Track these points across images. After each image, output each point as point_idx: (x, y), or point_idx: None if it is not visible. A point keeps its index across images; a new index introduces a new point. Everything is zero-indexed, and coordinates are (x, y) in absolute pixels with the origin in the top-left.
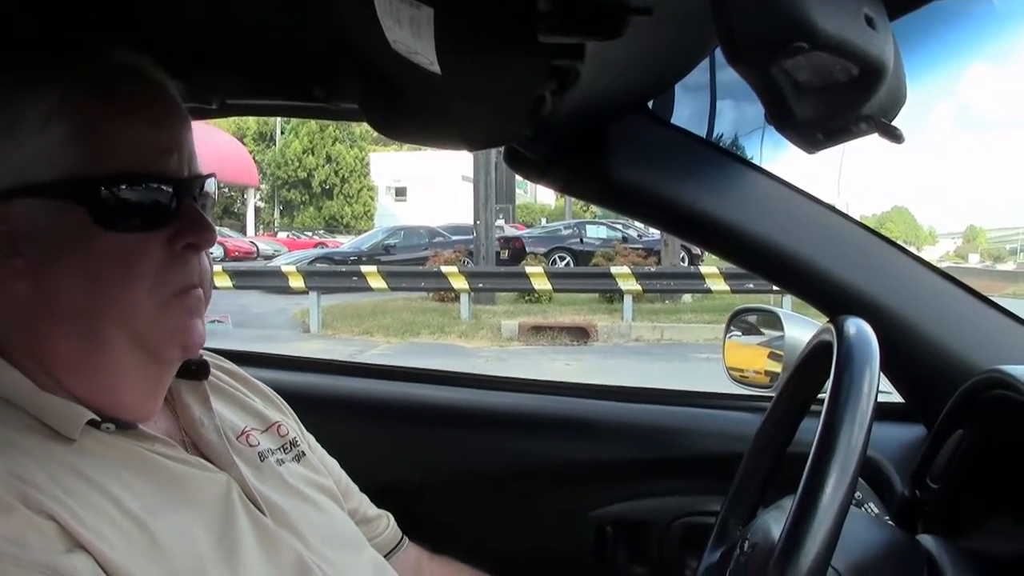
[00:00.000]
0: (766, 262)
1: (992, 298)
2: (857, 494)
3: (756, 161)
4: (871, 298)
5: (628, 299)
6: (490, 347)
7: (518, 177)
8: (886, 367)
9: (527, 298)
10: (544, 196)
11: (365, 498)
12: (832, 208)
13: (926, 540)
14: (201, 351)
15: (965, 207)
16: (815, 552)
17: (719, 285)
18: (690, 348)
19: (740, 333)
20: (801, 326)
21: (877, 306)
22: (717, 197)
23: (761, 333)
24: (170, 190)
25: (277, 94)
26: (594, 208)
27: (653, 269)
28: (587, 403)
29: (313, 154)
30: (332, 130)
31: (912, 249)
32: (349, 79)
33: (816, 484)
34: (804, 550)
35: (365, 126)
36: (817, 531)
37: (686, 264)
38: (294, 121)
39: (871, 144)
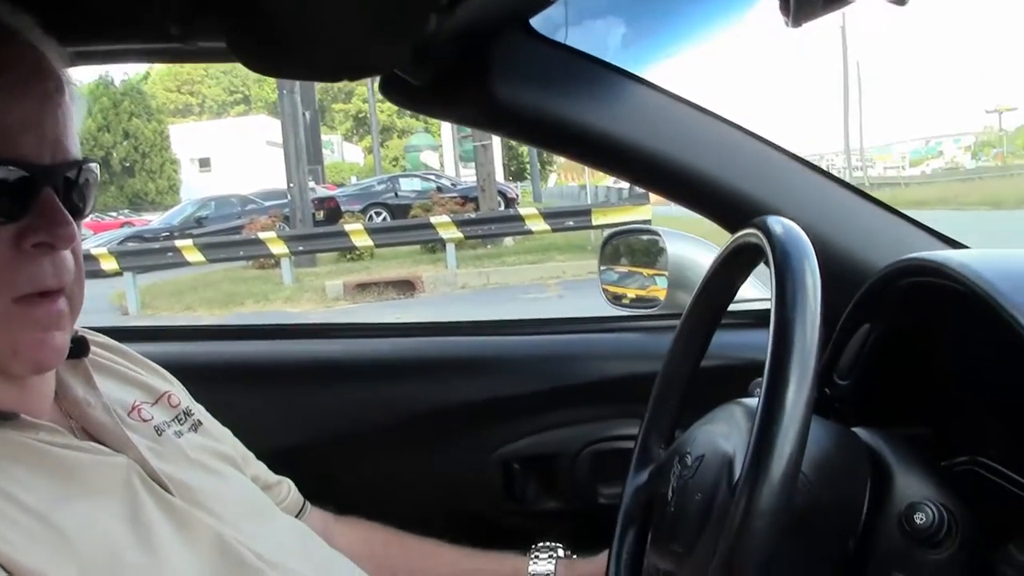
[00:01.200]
0: (658, 176)
1: None
2: None
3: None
4: (769, 206)
5: (451, 247)
6: (317, 309)
7: (324, 137)
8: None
9: (349, 256)
10: (352, 155)
11: (262, 465)
12: (722, 118)
13: (858, 432)
14: (78, 328)
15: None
16: (788, 454)
17: (539, 225)
18: (518, 290)
19: (615, 257)
20: (683, 241)
21: (777, 212)
22: (605, 113)
23: (635, 254)
24: (25, 175)
25: (127, 37)
26: (404, 162)
27: (473, 215)
28: (477, 340)
29: (109, 131)
30: (127, 104)
31: None
32: (211, 14)
33: (779, 386)
34: (777, 453)
35: (162, 99)
36: (787, 433)
37: (503, 208)
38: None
39: None
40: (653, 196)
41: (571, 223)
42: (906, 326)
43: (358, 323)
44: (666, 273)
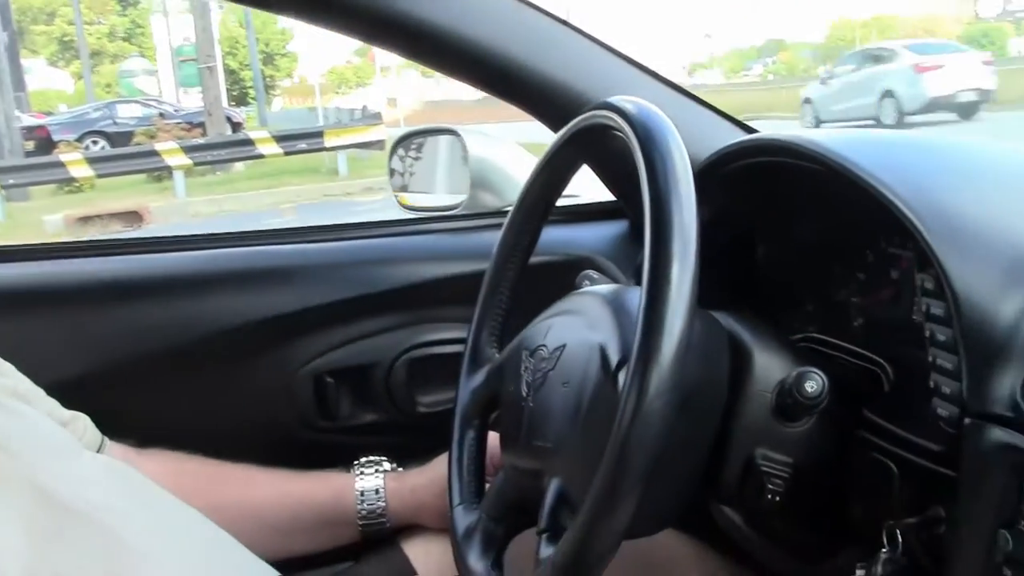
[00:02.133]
0: (477, 67)
1: None
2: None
3: None
4: (592, 98)
5: (179, 175)
6: None
7: (25, 62)
8: (597, 163)
9: (67, 189)
10: (59, 81)
11: (53, 400)
12: (542, 9)
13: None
14: None
15: None
16: (679, 330)
17: (271, 149)
18: (252, 216)
19: (406, 159)
20: (485, 141)
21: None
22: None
23: (423, 155)
24: None
25: None
26: (118, 89)
27: (201, 141)
28: (279, 249)
29: None
30: None
31: None
32: None
33: (663, 264)
34: (667, 330)
35: None
36: (676, 309)
37: (231, 133)
38: None
39: None
40: (394, 116)
41: (304, 145)
42: (734, 210)
43: (146, 237)
44: (466, 174)
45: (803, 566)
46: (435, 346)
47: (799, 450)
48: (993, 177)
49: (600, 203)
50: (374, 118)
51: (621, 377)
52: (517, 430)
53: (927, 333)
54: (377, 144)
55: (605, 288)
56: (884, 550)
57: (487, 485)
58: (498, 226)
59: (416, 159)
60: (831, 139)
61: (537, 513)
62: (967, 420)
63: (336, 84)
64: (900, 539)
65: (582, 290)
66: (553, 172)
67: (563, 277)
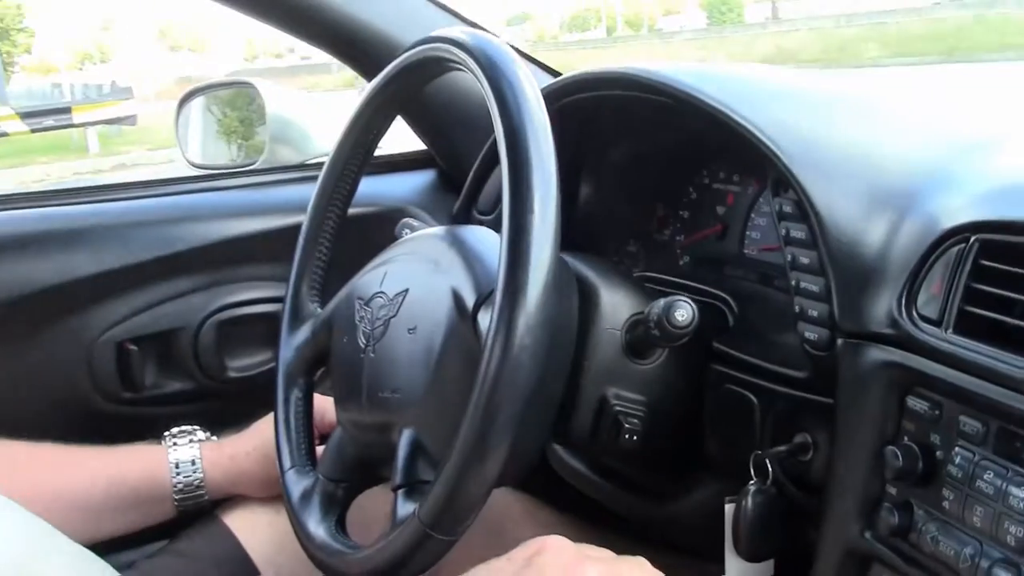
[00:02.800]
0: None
1: None
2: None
3: None
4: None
5: None
6: None
7: None
8: (409, 113)
9: None
10: None
11: None
12: None
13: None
14: None
15: None
16: (546, 263)
17: (15, 126)
18: None
19: (196, 115)
20: (282, 95)
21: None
22: None
23: (214, 111)
24: None
25: None
26: None
27: None
28: (72, 210)
29: None
30: None
31: None
32: None
33: (524, 197)
34: (533, 265)
35: None
36: (541, 243)
37: None
38: None
39: None
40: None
41: (51, 122)
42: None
43: None
44: (264, 129)
45: (656, 507)
46: (244, 307)
47: (652, 388)
48: (844, 106)
49: (408, 153)
50: (124, 92)
51: (482, 318)
52: (356, 383)
53: (788, 258)
54: (129, 119)
55: (441, 229)
56: (752, 482)
57: (318, 446)
58: (300, 180)
59: (207, 115)
60: (676, 71)
61: (384, 469)
62: (840, 341)
63: (80, 60)
64: (770, 469)
65: (416, 234)
66: (376, 114)
67: (376, 229)
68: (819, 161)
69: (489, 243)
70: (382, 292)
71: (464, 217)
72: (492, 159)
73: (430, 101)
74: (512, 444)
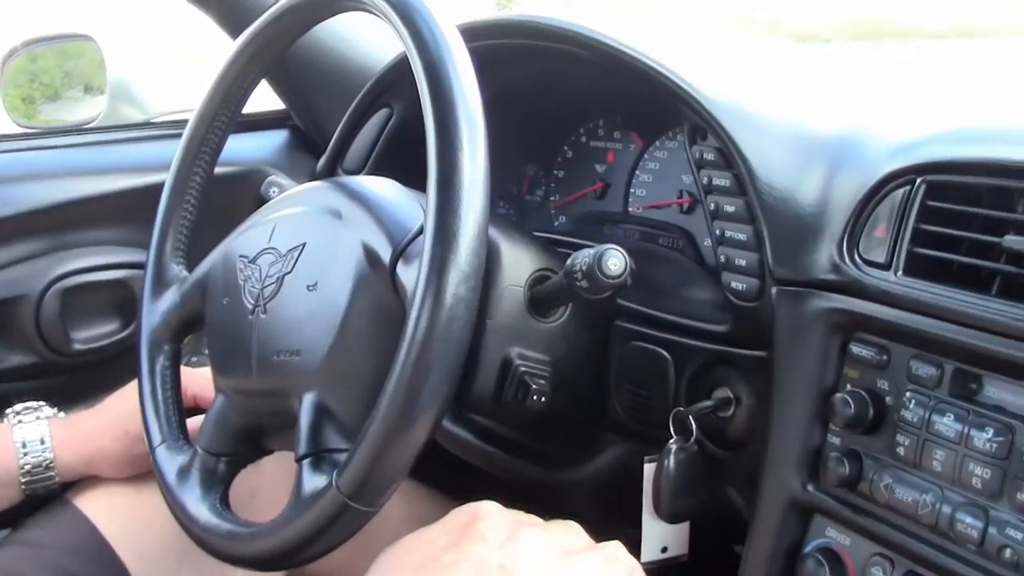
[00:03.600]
0: None
1: None
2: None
3: None
4: None
5: None
6: None
7: None
8: (273, 77)
9: None
10: None
11: None
12: None
13: None
14: None
15: None
16: (479, 214)
17: None
18: None
19: (23, 69)
20: (120, 46)
21: None
22: None
23: (47, 65)
24: None
25: None
26: None
27: None
28: None
29: None
30: None
31: None
32: None
33: (451, 140)
34: (466, 213)
35: None
36: (472, 193)
37: None
38: None
39: None
40: None
41: None
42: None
43: None
44: (102, 86)
45: (556, 474)
46: (89, 273)
47: (556, 346)
48: (764, 67)
49: (263, 112)
50: None
51: (402, 271)
52: (243, 347)
53: (711, 207)
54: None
55: (335, 181)
56: (673, 440)
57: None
58: (146, 139)
59: (37, 69)
60: (591, 22)
61: (273, 440)
62: (775, 290)
63: None
64: (693, 426)
65: (304, 186)
66: (253, 59)
67: (235, 190)
68: (743, 108)
69: (395, 191)
70: (272, 248)
71: (329, 176)
72: (361, 116)
73: (291, 56)
74: (444, 407)
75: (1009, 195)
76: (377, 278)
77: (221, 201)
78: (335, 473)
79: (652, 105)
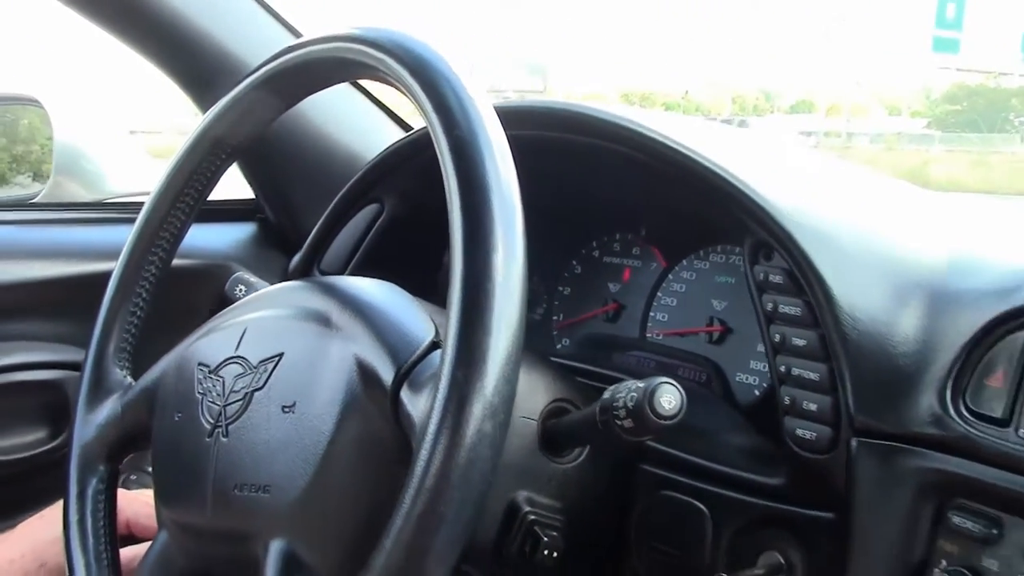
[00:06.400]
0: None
1: None
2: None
3: None
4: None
5: None
6: None
7: None
8: (245, 160)
9: None
10: None
11: None
12: None
13: None
14: None
15: None
16: (512, 333)
17: None
18: None
19: None
20: (75, 120)
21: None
22: None
23: None
24: None
25: None
26: None
27: None
28: None
29: None
30: None
31: None
32: None
33: (483, 244)
34: (498, 329)
35: None
36: (506, 310)
37: None
38: None
39: None
40: None
41: None
42: (422, 199)
43: None
44: (51, 156)
45: None
46: (16, 371)
47: (570, 492)
48: (850, 189)
49: (227, 201)
50: None
51: (408, 397)
52: (197, 475)
53: (775, 339)
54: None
55: (322, 281)
56: None
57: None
58: (96, 221)
59: None
60: (632, 113)
61: None
62: (855, 442)
63: None
64: None
65: (282, 286)
66: (216, 145)
67: (192, 285)
68: (820, 225)
69: (399, 298)
70: (239, 357)
71: (306, 270)
72: (345, 210)
73: (267, 143)
74: (457, 562)
75: None
76: (373, 404)
77: (177, 298)
78: None
79: (685, 220)
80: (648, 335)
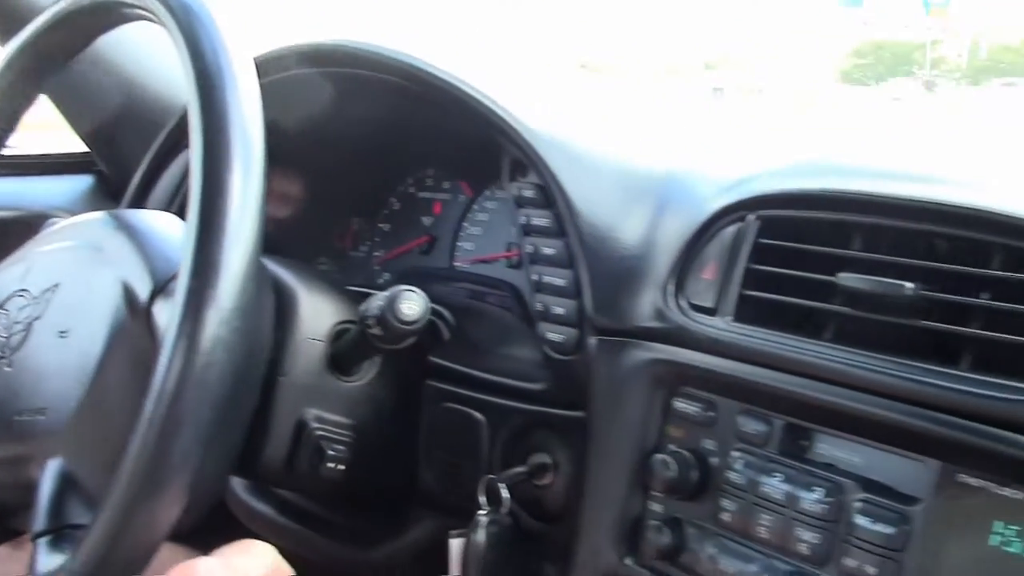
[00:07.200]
0: None
1: None
2: None
3: None
4: None
5: None
6: None
7: None
8: (65, 104)
9: None
10: None
11: None
12: None
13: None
14: None
15: None
16: (248, 244)
17: None
18: None
19: None
20: None
21: None
22: None
23: None
24: None
25: None
26: None
27: None
28: None
29: None
30: None
31: None
32: None
33: (219, 163)
34: (232, 239)
35: None
36: (241, 224)
37: None
38: None
39: None
40: None
41: None
42: None
43: None
44: None
45: (364, 552)
46: None
47: (359, 408)
48: (598, 111)
49: (61, 154)
50: None
51: (159, 310)
52: None
53: (528, 249)
54: None
55: (103, 213)
56: (483, 511)
57: None
58: None
59: None
60: (405, 46)
61: (17, 518)
62: (594, 341)
63: None
64: (505, 496)
65: (70, 220)
66: (16, 84)
67: (8, 239)
68: (566, 143)
69: (170, 224)
70: (24, 290)
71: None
72: (162, 157)
73: (94, 92)
74: (197, 470)
75: (847, 230)
76: (135, 321)
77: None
78: (70, 554)
79: (483, 149)
80: (456, 264)
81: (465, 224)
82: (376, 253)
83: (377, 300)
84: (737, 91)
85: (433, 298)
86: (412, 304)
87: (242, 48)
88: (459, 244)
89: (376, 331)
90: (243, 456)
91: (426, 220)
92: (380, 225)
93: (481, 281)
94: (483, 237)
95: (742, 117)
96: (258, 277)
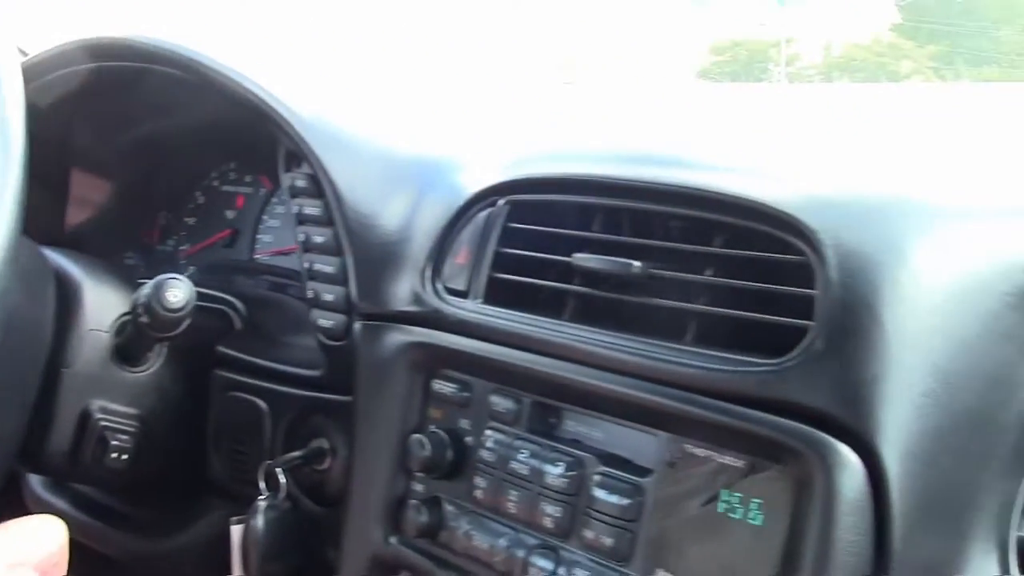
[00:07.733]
0: None
1: None
2: None
3: None
4: None
5: None
6: None
7: None
8: None
9: None
10: None
11: None
12: None
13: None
14: None
15: None
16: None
17: None
18: None
19: None
20: None
21: None
22: None
23: None
24: None
25: None
26: None
27: None
28: None
29: None
30: None
31: None
32: None
33: None
34: None
35: None
36: None
37: None
38: None
39: None
40: None
41: None
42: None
43: None
44: None
45: (154, 543)
46: None
47: (145, 399)
48: (372, 102)
49: None
50: None
51: None
52: None
53: (301, 237)
54: None
55: None
56: (262, 497)
57: None
58: None
59: None
60: (187, 40)
61: None
62: (358, 326)
63: None
64: (283, 480)
65: None
66: None
67: None
68: (336, 132)
69: None
70: None
71: None
72: None
73: None
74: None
75: (590, 213)
76: None
77: None
78: None
79: (267, 141)
80: (257, 256)
81: (264, 217)
82: (182, 247)
83: (145, 289)
84: (589, 86)
85: (235, 290)
86: (176, 292)
87: (15, 52)
88: (259, 237)
89: (144, 319)
90: (26, 447)
91: (229, 213)
92: (186, 219)
93: (279, 272)
94: (281, 229)
95: (576, 110)
96: (27, 266)
